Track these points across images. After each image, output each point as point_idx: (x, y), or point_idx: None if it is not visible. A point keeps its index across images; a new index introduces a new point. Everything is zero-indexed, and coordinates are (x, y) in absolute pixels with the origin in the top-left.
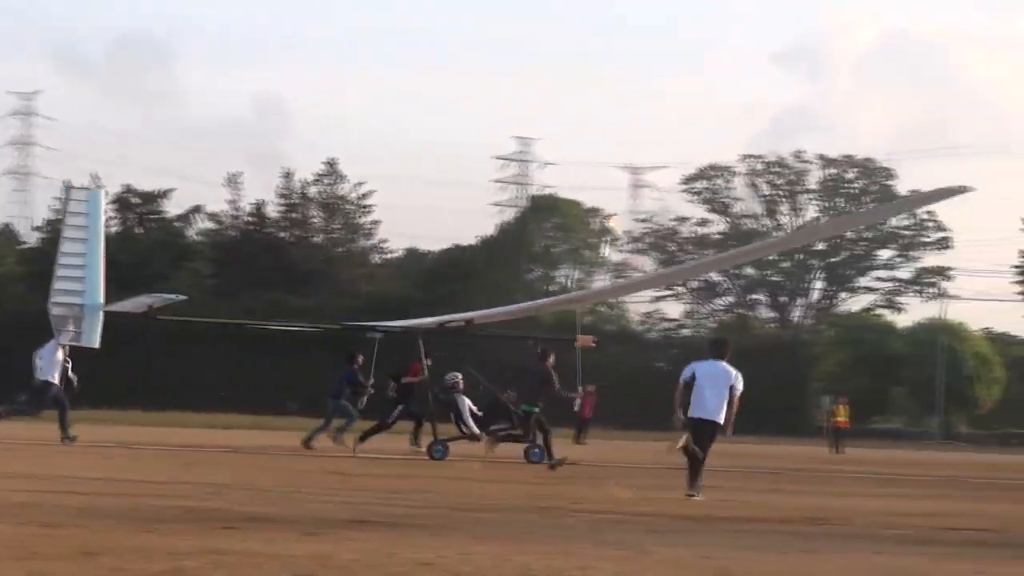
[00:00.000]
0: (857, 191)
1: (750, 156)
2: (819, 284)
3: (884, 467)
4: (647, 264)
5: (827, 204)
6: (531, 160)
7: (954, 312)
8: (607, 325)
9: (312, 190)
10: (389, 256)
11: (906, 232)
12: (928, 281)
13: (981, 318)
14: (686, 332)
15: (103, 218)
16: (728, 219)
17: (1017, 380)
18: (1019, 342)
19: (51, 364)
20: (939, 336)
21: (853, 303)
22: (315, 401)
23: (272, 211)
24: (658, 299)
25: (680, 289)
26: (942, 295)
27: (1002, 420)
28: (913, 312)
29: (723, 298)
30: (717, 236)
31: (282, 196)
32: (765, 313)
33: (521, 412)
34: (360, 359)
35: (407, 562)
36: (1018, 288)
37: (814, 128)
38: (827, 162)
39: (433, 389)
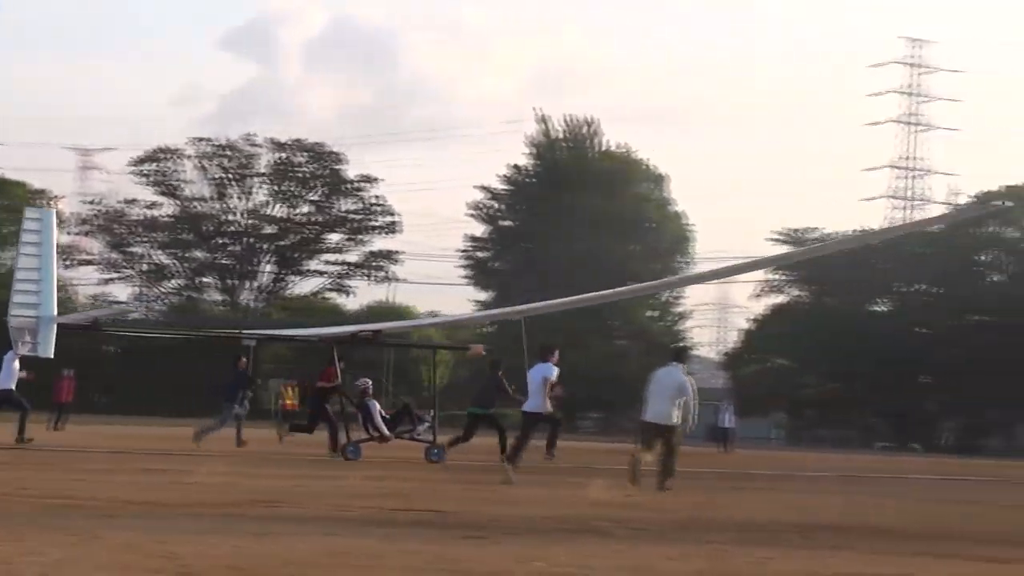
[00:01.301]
0: (307, 175)
1: (200, 139)
2: (269, 267)
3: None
4: (95, 246)
5: (277, 188)
6: None
7: (402, 295)
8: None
9: None
10: None
11: (355, 216)
12: (377, 264)
13: (427, 301)
14: (135, 315)
15: (55, 235)
16: (178, 202)
17: (460, 364)
18: (464, 326)
19: (9, 373)
20: (387, 319)
21: (303, 286)
22: None
23: None
24: (107, 281)
25: (129, 272)
26: (390, 278)
27: (447, 402)
28: (362, 295)
29: (172, 281)
30: (167, 219)
31: None
32: (215, 296)
33: (469, 413)
34: (244, 361)
35: None
36: (463, 272)
37: (265, 112)
38: (277, 146)
39: (346, 394)
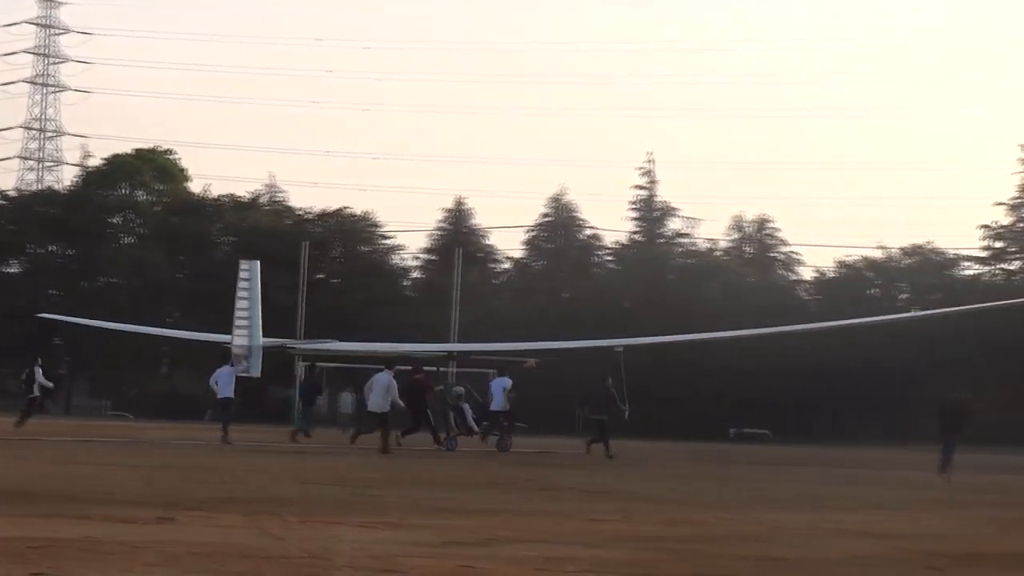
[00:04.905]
0: None
1: None
2: None
3: None
4: None
5: None
6: None
7: None
8: None
9: None
10: None
11: None
12: None
13: None
14: None
15: (258, 281)
16: None
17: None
18: None
19: (230, 385)
20: None
21: None
22: None
23: None
24: None
25: None
26: None
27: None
28: None
29: None
30: None
31: None
32: None
33: (592, 419)
34: (316, 369)
35: None
36: None
37: None
38: None
39: (446, 398)
